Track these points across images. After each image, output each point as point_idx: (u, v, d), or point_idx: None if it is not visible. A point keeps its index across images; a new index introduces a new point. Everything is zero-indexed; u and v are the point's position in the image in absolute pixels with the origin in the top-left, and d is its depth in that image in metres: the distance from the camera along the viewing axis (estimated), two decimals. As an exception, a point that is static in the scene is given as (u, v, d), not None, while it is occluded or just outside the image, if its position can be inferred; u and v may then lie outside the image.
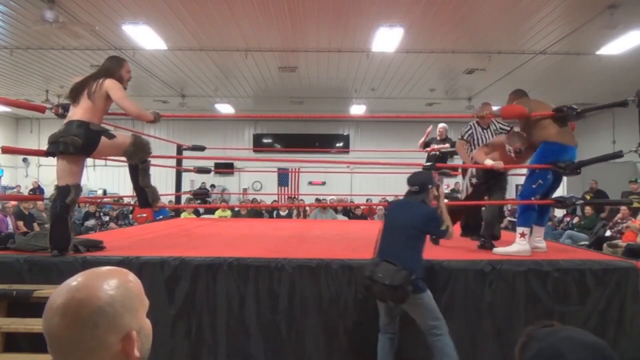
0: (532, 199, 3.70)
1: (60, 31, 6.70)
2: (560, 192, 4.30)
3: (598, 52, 8.10)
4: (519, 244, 3.58)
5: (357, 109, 12.75)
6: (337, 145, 15.59)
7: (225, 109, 12.89)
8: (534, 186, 3.68)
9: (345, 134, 15.60)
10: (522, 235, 3.61)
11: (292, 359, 3.15)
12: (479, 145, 4.49)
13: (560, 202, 3.81)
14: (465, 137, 4.60)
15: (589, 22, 6.83)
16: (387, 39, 7.61)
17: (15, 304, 2.97)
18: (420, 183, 3.00)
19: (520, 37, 7.62)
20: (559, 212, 10.45)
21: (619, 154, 3.74)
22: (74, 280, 0.84)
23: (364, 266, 2.89)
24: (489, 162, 3.92)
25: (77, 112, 3.28)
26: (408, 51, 8.34)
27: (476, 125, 4.56)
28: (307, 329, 3.17)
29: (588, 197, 9.17)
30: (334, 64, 9.31)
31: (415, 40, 7.80)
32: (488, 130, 4.55)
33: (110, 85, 3.31)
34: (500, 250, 3.67)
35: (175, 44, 8.13)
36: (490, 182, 4.23)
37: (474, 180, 4.30)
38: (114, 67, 3.44)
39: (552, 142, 3.63)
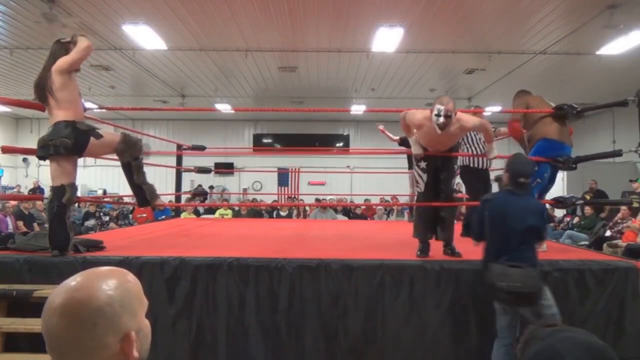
0: None
1: (60, 30, 6.69)
2: (560, 192, 4.30)
3: (598, 52, 8.09)
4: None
5: (357, 109, 12.74)
6: (337, 145, 15.60)
7: (225, 109, 12.86)
8: (532, 185, 3.68)
9: (345, 134, 15.61)
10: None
11: (292, 359, 3.15)
12: (475, 145, 4.49)
13: (560, 202, 3.82)
14: None
15: (589, 22, 6.83)
16: (387, 39, 7.60)
17: (15, 304, 2.96)
18: (530, 172, 2.70)
19: (520, 37, 7.62)
20: (559, 212, 10.44)
21: (618, 152, 3.75)
22: (73, 280, 0.84)
23: (487, 276, 2.73)
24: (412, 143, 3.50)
25: (59, 113, 3.23)
26: (408, 51, 8.34)
27: None
28: (307, 329, 3.16)
29: (588, 197, 9.15)
30: (334, 64, 9.31)
31: (415, 40, 7.79)
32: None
33: (56, 71, 3.23)
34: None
35: (175, 44, 8.13)
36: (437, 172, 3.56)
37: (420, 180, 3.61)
38: (61, 53, 3.36)
39: (551, 140, 3.66)
